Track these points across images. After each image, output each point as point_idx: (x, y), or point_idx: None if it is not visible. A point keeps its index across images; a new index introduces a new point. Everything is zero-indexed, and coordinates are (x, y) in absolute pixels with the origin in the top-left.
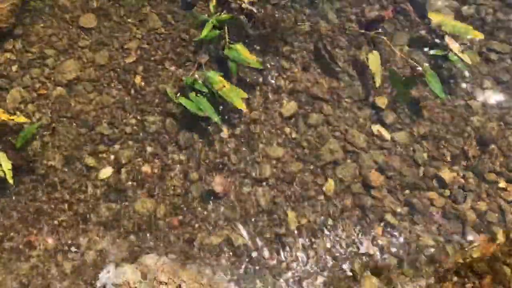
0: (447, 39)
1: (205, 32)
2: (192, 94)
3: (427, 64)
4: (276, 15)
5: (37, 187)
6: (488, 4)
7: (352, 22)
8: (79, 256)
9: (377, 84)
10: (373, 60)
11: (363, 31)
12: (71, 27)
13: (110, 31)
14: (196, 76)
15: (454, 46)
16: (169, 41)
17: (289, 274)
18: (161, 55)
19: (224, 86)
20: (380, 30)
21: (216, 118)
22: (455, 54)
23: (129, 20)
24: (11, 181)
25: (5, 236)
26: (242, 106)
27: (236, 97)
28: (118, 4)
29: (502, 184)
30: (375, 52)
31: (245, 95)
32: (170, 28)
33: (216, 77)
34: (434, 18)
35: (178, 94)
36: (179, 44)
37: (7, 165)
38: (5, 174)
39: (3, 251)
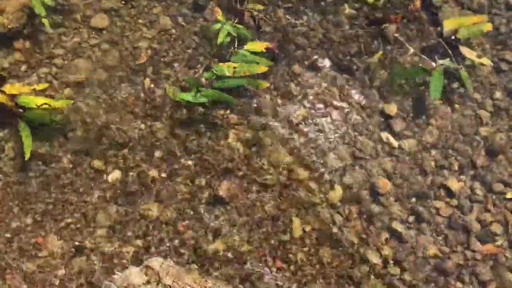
0: (462, 48)
1: (220, 38)
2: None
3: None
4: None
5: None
6: (502, 15)
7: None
8: (85, 258)
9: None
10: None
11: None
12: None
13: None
14: (203, 79)
15: (470, 53)
16: (179, 42)
17: (293, 280)
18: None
19: (235, 67)
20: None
21: (229, 98)
22: (472, 61)
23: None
24: (27, 156)
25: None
26: (264, 68)
27: (255, 66)
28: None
29: (509, 194)
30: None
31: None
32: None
33: (222, 66)
34: (449, 25)
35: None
36: (189, 45)
37: (28, 143)
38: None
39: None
